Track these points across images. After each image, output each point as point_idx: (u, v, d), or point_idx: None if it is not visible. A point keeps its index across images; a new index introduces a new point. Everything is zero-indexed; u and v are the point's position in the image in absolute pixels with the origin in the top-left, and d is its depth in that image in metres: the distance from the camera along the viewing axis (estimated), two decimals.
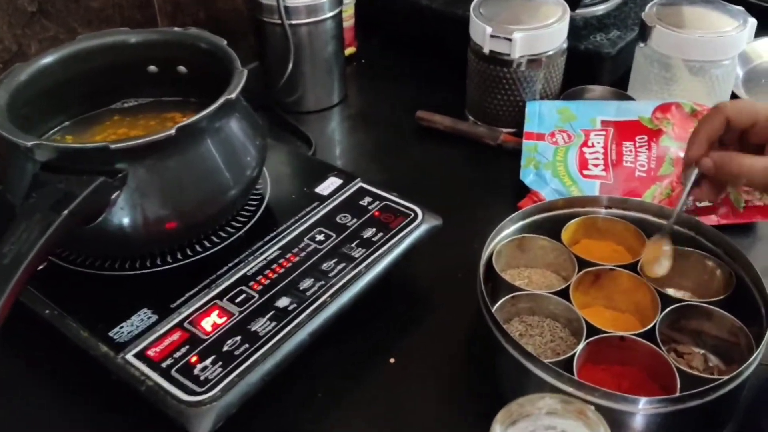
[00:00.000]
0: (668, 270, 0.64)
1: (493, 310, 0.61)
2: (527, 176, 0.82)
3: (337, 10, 0.95)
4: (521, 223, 0.70)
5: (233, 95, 0.62)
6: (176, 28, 0.73)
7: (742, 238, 0.76)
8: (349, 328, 0.64)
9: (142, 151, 0.58)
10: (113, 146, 0.57)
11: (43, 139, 0.67)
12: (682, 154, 0.80)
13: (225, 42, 0.69)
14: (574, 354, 0.57)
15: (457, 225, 0.75)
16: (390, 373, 0.64)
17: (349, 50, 1.09)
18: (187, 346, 0.57)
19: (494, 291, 0.66)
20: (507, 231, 0.70)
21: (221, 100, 0.61)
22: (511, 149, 0.89)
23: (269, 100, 0.99)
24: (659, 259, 0.65)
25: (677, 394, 0.53)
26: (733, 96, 0.94)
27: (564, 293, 0.64)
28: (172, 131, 0.58)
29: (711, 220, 0.77)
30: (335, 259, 0.65)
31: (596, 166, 0.81)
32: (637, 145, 0.82)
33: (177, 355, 0.56)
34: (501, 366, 0.60)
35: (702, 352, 0.63)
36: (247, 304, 0.60)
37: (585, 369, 0.59)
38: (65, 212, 0.54)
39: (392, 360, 0.65)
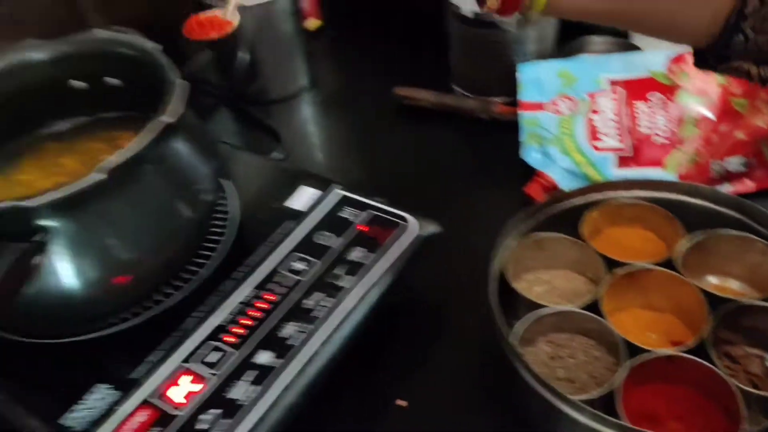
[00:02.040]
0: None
1: (513, 337, 0.51)
2: (530, 155, 0.72)
3: None
4: (531, 220, 0.60)
5: (173, 118, 0.50)
6: (95, 31, 0.60)
7: None
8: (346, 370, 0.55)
9: (69, 202, 0.47)
10: (30, 203, 0.46)
11: None
12: (704, 111, 0.70)
13: (152, 45, 0.56)
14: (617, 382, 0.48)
15: (458, 223, 0.65)
16: (402, 420, 0.55)
17: (313, 23, 0.97)
18: (159, 428, 0.47)
19: (511, 304, 0.57)
20: (516, 231, 0.59)
21: (157, 127, 0.50)
22: (507, 122, 0.78)
23: (231, 93, 0.88)
24: None
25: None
26: None
27: (593, 302, 0.54)
28: (103, 175, 0.47)
29: (746, 185, 0.67)
30: (320, 293, 0.55)
31: (608, 135, 0.70)
32: (651, 105, 0.71)
33: None
34: (528, 406, 0.51)
35: (759, 353, 0.54)
36: (223, 364, 0.51)
37: (629, 396, 0.50)
38: None
39: (403, 403, 0.55)
